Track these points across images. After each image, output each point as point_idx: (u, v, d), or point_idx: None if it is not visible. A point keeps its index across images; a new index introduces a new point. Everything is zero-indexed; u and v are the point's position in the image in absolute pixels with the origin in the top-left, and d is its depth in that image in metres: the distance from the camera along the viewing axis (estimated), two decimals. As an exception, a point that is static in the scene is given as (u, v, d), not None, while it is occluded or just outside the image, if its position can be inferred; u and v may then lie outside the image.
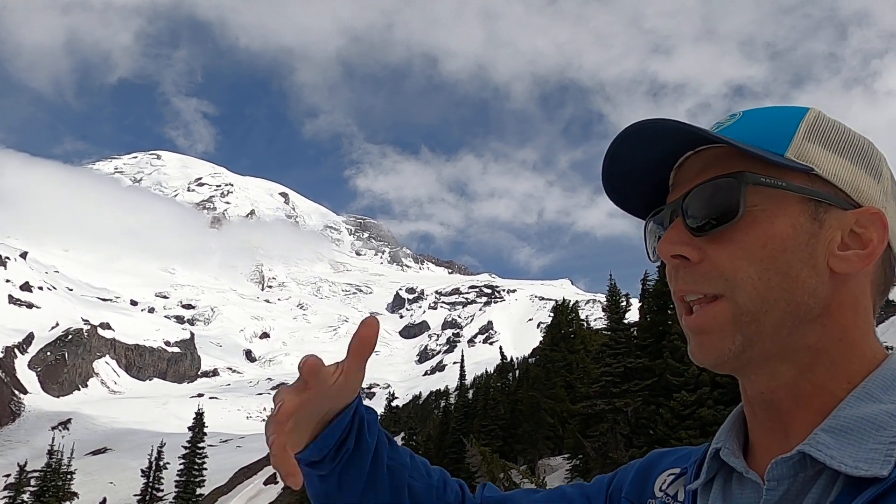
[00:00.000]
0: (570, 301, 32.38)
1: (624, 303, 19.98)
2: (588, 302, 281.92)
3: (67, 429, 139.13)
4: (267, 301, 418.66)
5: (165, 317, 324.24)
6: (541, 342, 34.25)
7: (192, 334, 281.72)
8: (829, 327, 0.72)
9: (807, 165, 0.73)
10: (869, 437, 0.66)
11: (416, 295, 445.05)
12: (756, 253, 0.72)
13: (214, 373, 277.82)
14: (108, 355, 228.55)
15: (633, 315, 20.22)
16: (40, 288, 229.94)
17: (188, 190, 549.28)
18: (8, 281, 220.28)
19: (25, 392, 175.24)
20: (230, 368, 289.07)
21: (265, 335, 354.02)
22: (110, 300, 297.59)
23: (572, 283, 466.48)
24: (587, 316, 50.06)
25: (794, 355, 0.73)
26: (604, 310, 20.58)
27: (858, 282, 0.74)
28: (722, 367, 0.75)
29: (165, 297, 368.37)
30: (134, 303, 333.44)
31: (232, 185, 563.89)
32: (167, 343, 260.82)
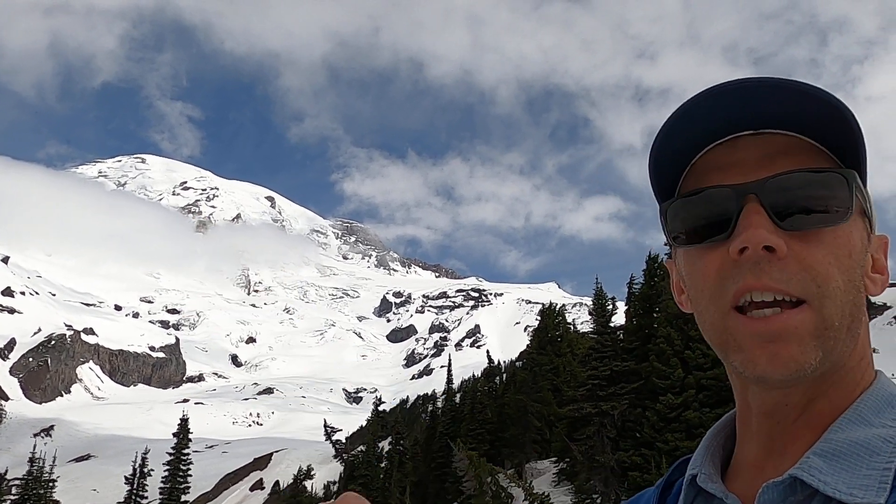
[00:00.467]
0: (556, 304, 32.48)
1: (610, 306, 20.08)
2: (575, 305, 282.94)
3: (50, 435, 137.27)
4: (253, 305, 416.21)
5: (150, 322, 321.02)
6: (528, 346, 34.33)
7: (178, 339, 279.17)
8: (858, 347, 0.70)
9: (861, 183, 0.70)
10: (863, 462, 0.63)
11: (403, 299, 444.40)
12: (845, 262, 0.67)
13: (200, 378, 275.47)
14: (91, 361, 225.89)
15: (619, 318, 20.34)
16: (22, 293, 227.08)
17: (173, 194, 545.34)
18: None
19: (7, 398, 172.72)
20: (216, 374, 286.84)
21: (251, 340, 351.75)
22: (94, 305, 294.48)
23: (559, 287, 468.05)
24: (574, 319, 50.21)
25: (834, 374, 0.69)
26: (590, 313, 20.66)
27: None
28: (794, 383, 0.67)
29: (150, 301, 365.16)
30: (118, 308, 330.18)
31: (217, 189, 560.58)
32: (152, 348, 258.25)
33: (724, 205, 0.69)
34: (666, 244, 0.80)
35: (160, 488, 37.25)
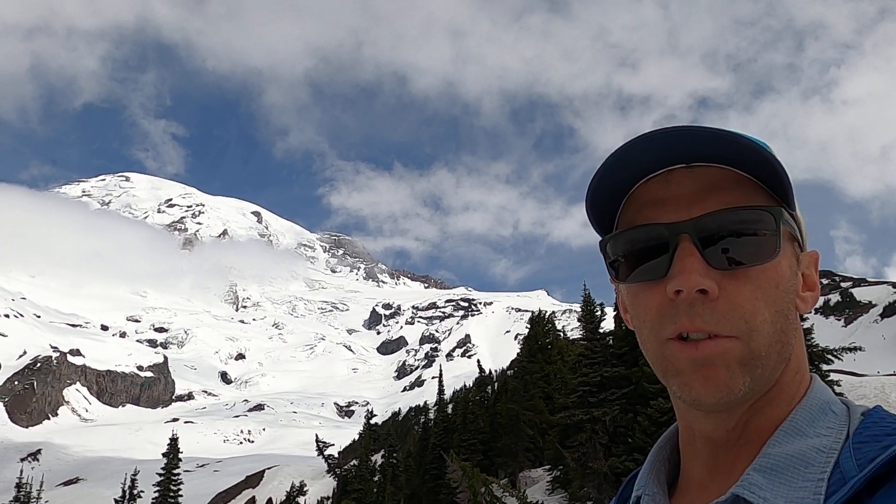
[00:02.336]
0: (546, 312, 32.51)
1: (599, 312, 20.12)
2: (564, 312, 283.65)
3: (37, 459, 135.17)
4: (242, 322, 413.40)
5: (137, 341, 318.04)
6: (518, 354, 34.29)
7: (166, 358, 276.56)
8: (791, 363, 0.73)
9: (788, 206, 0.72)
10: (799, 475, 0.65)
11: (392, 311, 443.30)
12: (771, 294, 0.70)
13: (189, 396, 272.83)
14: (78, 382, 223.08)
15: (608, 324, 20.36)
16: (6, 315, 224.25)
17: (158, 211, 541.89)
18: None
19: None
20: (206, 391, 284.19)
21: (241, 356, 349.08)
22: (80, 326, 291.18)
23: (548, 294, 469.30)
24: (563, 326, 50.33)
25: (770, 391, 0.72)
26: (579, 320, 20.68)
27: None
28: (728, 406, 0.71)
29: (137, 320, 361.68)
30: (104, 328, 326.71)
31: (203, 206, 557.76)
32: (140, 368, 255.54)
33: (659, 242, 0.73)
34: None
35: (151, 510, 36.77)
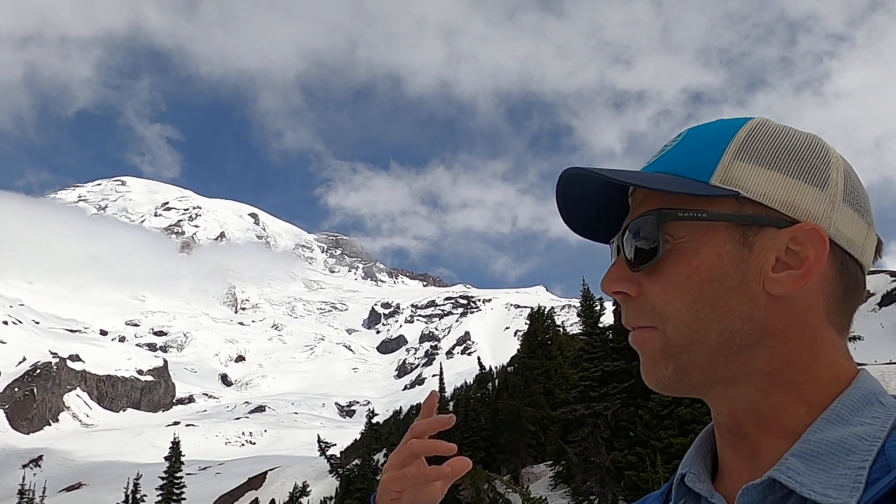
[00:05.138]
0: (545, 308, 32.49)
1: (598, 307, 20.12)
2: (563, 307, 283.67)
3: (39, 466, 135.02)
4: (241, 323, 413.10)
5: (137, 345, 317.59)
6: (518, 350, 34.29)
7: (166, 361, 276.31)
8: (777, 350, 0.71)
9: (732, 190, 0.72)
10: (839, 462, 0.65)
11: (391, 309, 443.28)
12: (682, 286, 0.72)
13: (190, 399, 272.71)
14: (78, 388, 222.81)
15: (607, 318, 20.37)
16: (5, 322, 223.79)
17: (155, 215, 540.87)
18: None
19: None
20: (206, 394, 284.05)
21: (241, 358, 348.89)
22: (79, 331, 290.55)
23: (547, 290, 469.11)
24: (563, 322, 50.29)
25: (745, 380, 0.72)
26: (579, 315, 20.69)
27: (806, 300, 0.71)
28: (665, 391, 0.76)
29: (136, 324, 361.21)
30: (104, 332, 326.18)
31: (200, 208, 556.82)
32: (140, 372, 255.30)
33: (611, 257, 0.81)
34: None
35: (154, 513, 36.73)
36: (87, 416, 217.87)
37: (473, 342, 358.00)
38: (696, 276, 0.72)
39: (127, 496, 37.77)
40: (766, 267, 0.71)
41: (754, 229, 0.71)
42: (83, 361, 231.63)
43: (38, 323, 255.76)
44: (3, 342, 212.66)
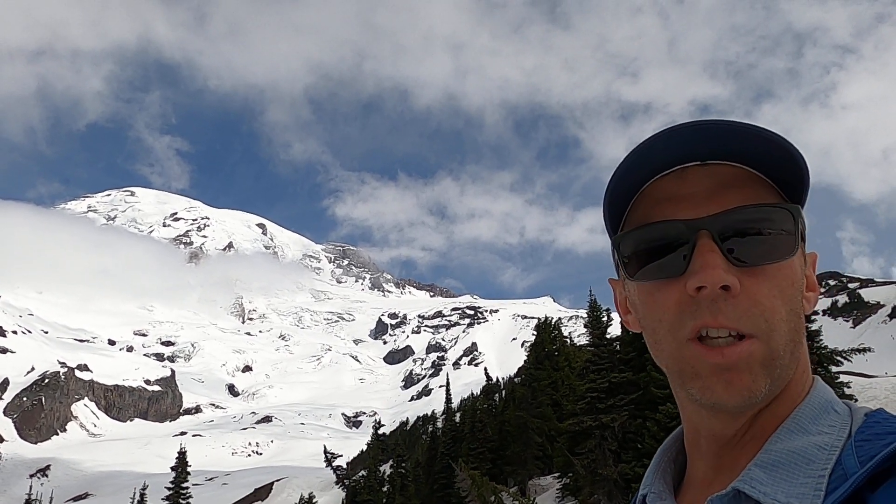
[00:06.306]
0: (552, 318, 32.43)
1: (605, 318, 20.06)
2: (570, 318, 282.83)
3: (46, 475, 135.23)
4: (248, 334, 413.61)
5: (145, 355, 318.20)
6: (525, 361, 34.20)
7: (173, 371, 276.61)
8: (801, 362, 0.73)
9: (802, 200, 0.72)
10: (800, 471, 0.66)
11: (398, 320, 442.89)
12: (787, 292, 0.69)
13: (197, 409, 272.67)
14: (86, 397, 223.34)
15: (614, 329, 20.30)
16: (14, 332, 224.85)
17: (164, 225, 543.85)
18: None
19: (1, 440, 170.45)
20: (213, 404, 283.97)
21: (248, 368, 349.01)
22: (87, 341, 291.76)
23: (554, 301, 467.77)
24: (570, 333, 50.19)
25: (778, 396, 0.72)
26: (586, 326, 20.62)
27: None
28: (748, 409, 0.71)
29: (144, 334, 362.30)
30: (112, 342, 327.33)
31: (208, 219, 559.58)
32: (147, 382, 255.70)
33: (677, 239, 0.72)
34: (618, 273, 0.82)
35: (160, 524, 36.68)
36: (95, 425, 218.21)
37: (480, 353, 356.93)
38: (796, 283, 0.69)
39: (133, 506, 37.78)
40: (805, 284, 0.72)
41: (804, 247, 0.71)
42: (91, 371, 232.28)
43: (46, 333, 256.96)
44: (12, 352, 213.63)
